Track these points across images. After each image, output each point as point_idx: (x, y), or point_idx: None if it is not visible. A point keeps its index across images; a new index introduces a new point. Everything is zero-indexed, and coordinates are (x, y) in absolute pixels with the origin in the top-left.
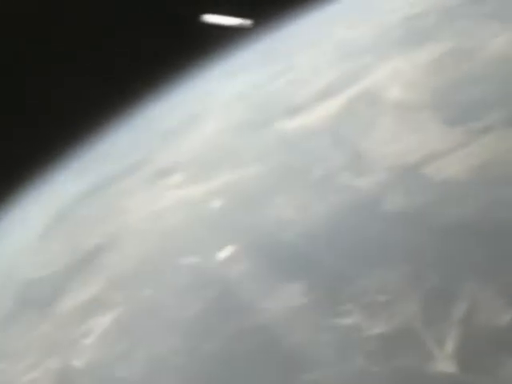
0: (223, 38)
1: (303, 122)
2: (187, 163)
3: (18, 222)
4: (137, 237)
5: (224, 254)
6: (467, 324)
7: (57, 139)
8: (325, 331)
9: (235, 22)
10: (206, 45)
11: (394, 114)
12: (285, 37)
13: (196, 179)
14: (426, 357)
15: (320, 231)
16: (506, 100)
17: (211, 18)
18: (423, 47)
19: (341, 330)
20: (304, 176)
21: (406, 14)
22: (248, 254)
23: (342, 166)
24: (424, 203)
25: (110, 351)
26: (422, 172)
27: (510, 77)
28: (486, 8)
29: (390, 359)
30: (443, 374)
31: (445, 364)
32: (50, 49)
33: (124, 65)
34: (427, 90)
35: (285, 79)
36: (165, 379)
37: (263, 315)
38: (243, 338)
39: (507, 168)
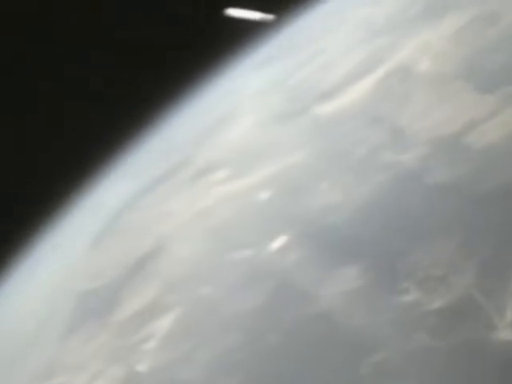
0: (246, 32)
1: (338, 104)
2: (229, 158)
3: (67, 233)
4: (188, 236)
5: (277, 244)
6: None
7: (97, 146)
8: (384, 311)
9: (257, 17)
10: (229, 40)
11: (427, 87)
12: (307, 25)
13: (240, 173)
14: (488, 327)
15: (368, 211)
16: None
17: (234, 12)
18: (446, 18)
19: (400, 308)
20: (346, 158)
21: None
22: (300, 242)
23: (382, 143)
24: (468, 172)
25: (173, 353)
26: (462, 141)
27: None
28: None
29: (451, 332)
30: (507, 342)
31: (507, 332)
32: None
33: (150, 65)
34: (456, 60)
35: (314, 65)
36: (230, 377)
37: (322, 301)
38: (304, 326)
39: None
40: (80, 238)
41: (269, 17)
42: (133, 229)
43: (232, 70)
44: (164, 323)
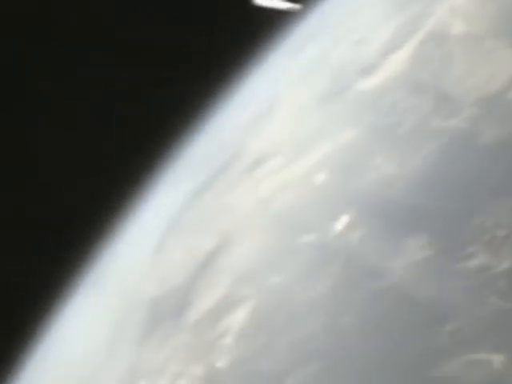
0: (276, 21)
1: (380, 78)
2: (280, 145)
3: (129, 239)
4: (251, 228)
5: (340, 224)
6: None
7: (148, 148)
8: (454, 278)
9: (285, 6)
10: (260, 29)
11: (464, 49)
12: (335, 8)
13: (293, 159)
14: None
15: (426, 180)
16: None
17: (262, 2)
18: None
19: (469, 274)
20: (396, 130)
21: None
22: (363, 219)
23: (429, 111)
24: None
25: (251, 346)
26: (508, 97)
27: None
28: None
29: None
30: None
31: None
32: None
33: (190, 63)
34: (487, 19)
35: (349, 43)
36: (309, 364)
37: (391, 275)
38: (378, 302)
39: None
40: (143, 243)
41: (296, 6)
42: (195, 227)
43: (267, 58)
44: (238, 317)
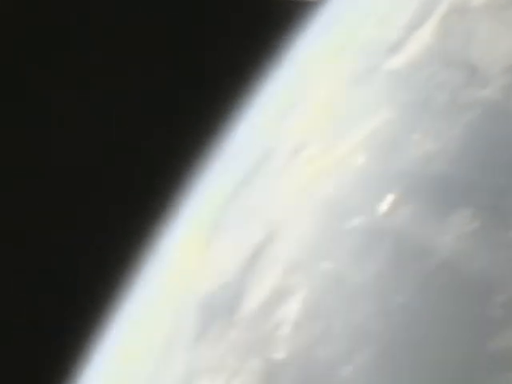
0: (296, 12)
1: (407, 54)
2: (316, 131)
3: (175, 238)
4: (297, 216)
5: (385, 204)
6: None
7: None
8: (504, 248)
9: None
10: (280, 20)
11: (488, 18)
12: None
13: (331, 143)
14: None
15: (466, 152)
16: None
17: None
18: None
19: None
20: (430, 105)
21: None
22: (407, 198)
23: (460, 83)
24: None
25: (308, 335)
26: None
27: None
28: None
29: None
30: None
31: None
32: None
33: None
34: None
35: (371, 23)
36: (368, 347)
37: (441, 251)
38: (430, 279)
39: None
40: (190, 241)
41: None
42: (241, 220)
43: (292, 47)
44: (292, 307)
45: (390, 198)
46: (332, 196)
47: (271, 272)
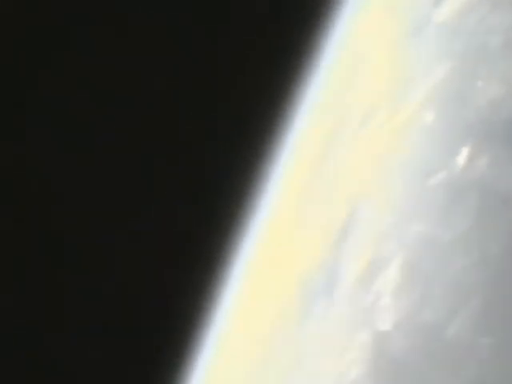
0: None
1: (453, 5)
2: (379, 97)
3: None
4: (378, 184)
5: (463, 157)
6: None
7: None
8: None
9: None
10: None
11: None
12: None
13: (397, 106)
14: None
15: None
16: None
17: None
18: None
19: None
20: (488, 50)
21: None
22: (484, 147)
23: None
24: None
25: (409, 301)
26: None
27: None
28: None
29: None
30: None
31: None
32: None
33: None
34: None
35: None
36: (469, 302)
37: None
38: None
39: None
40: (277, 226)
41: None
42: (323, 198)
43: (336, 16)
44: (389, 275)
45: (466, 150)
46: (408, 157)
47: (363, 244)
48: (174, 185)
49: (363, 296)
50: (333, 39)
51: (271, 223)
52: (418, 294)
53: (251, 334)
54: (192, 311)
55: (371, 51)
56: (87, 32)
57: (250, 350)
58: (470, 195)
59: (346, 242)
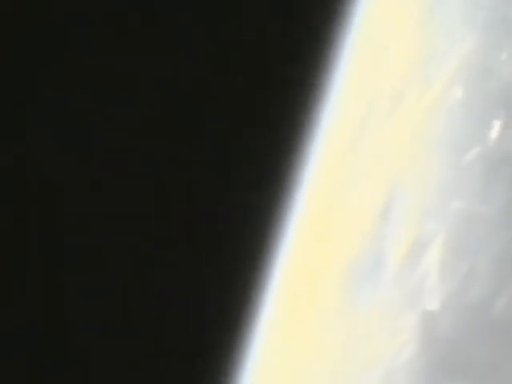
0: None
1: None
2: (406, 75)
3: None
4: (414, 164)
5: (495, 130)
6: None
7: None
8: None
9: None
10: None
11: None
12: None
13: (425, 83)
14: None
15: None
16: None
17: None
18: None
19: None
20: (510, 21)
21: None
22: None
23: None
24: None
25: (456, 280)
26: None
27: None
28: None
29: None
30: None
31: None
32: None
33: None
34: None
35: None
36: None
37: None
38: None
39: None
40: (314, 213)
41: None
42: (361, 185)
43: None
44: (434, 254)
45: (497, 124)
46: (441, 135)
47: (405, 225)
48: (175, 184)
49: (409, 277)
50: (353, 25)
51: (308, 216)
52: (463, 272)
53: (297, 326)
54: (231, 306)
55: (394, 32)
56: (87, 32)
57: (298, 342)
58: (507, 167)
59: (387, 225)
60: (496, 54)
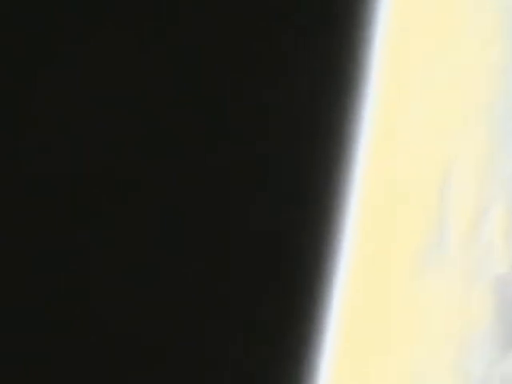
0: None
1: None
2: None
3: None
4: (468, 132)
5: None
6: None
7: None
8: None
9: None
10: None
11: None
12: None
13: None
14: None
15: None
16: None
17: None
18: None
19: None
20: None
21: None
22: None
23: None
24: None
25: None
26: None
27: None
28: None
29: None
30: None
31: None
32: None
33: None
34: None
35: None
36: None
37: None
38: None
39: None
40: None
41: None
42: (420, 160)
43: None
44: (496, 220)
45: None
46: (500, 104)
47: (466, 193)
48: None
49: (475, 245)
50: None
51: (370, 191)
52: None
53: (370, 299)
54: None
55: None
56: (87, 32)
57: (372, 315)
58: None
59: (448, 194)
60: None
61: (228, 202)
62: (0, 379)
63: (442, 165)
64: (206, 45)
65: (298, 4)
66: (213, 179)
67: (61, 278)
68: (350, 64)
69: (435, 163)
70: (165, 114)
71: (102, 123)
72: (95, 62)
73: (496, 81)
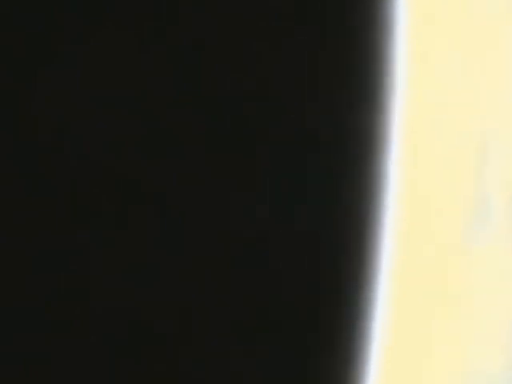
0: None
1: None
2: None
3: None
4: (503, 112)
5: None
6: None
7: None
8: None
9: None
10: None
11: None
12: None
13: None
14: None
15: None
16: None
17: None
18: None
19: None
20: None
21: None
22: None
23: None
24: None
25: None
26: None
27: None
28: None
29: None
30: None
31: None
32: None
33: None
34: None
35: None
36: None
37: None
38: None
39: None
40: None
41: None
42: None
43: None
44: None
45: None
46: None
47: (505, 165)
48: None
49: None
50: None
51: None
52: None
53: (417, 269)
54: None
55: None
56: (87, 32)
57: (420, 287)
58: None
59: (488, 167)
60: None
61: (228, 202)
62: (0, 379)
63: (479, 142)
64: (206, 45)
65: (298, 4)
66: (213, 179)
67: (61, 278)
68: (357, 62)
69: (471, 141)
70: (165, 113)
71: (102, 123)
72: (95, 62)
73: None
